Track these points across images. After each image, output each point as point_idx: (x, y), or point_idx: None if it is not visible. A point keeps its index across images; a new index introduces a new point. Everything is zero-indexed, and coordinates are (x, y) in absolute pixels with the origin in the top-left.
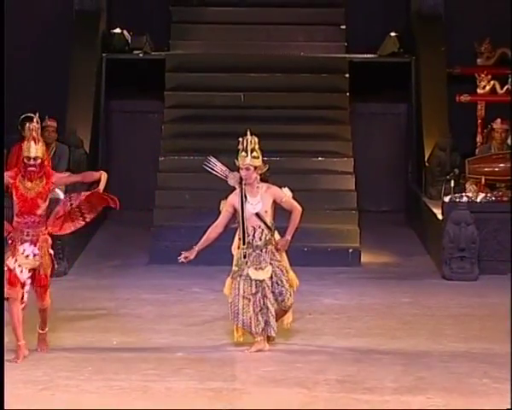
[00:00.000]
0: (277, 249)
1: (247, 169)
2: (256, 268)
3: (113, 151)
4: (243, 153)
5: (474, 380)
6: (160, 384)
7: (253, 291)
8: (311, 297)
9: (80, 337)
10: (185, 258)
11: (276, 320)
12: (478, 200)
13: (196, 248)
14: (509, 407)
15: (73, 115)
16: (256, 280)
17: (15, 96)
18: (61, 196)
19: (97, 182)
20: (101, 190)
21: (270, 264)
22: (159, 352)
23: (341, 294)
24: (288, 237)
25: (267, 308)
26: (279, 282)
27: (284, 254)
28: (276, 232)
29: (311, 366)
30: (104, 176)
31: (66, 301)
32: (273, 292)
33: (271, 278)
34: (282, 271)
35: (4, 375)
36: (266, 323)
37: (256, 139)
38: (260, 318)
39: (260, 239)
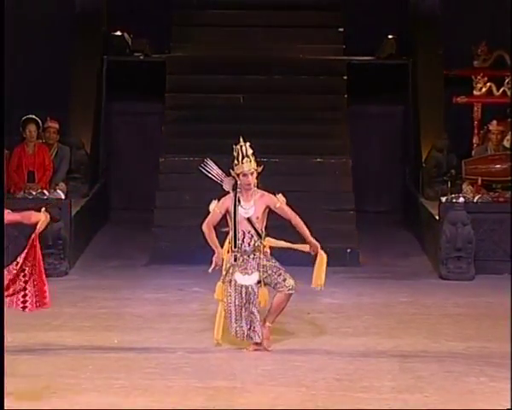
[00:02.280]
0: (315, 253)
1: (252, 174)
2: (242, 273)
3: (114, 152)
4: (246, 159)
5: (471, 379)
6: (161, 383)
7: (244, 301)
8: (310, 297)
9: (81, 336)
10: (216, 265)
11: (281, 311)
12: (474, 200)
13: (220, 250)
14: (509, 406)
15: (75, 117)
16: (243, 286)
17: (16, 97)
18: (62, 196)
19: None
20: (40, 230)
21: (258, 270)
22: (159, 351)
23: (339, 293)
24: (311, 239)
25: (252, 314)
26: (273, 268)
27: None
28: (268, 238)
29: (309, 364)
30: (46, 216)
31: (67, 300)
32: (275, 279)
33: (266, 271)
34: (269, 260)
35: (5, 374)
36: (251, 329)
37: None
38: (250, 324)
39: (249, 245)
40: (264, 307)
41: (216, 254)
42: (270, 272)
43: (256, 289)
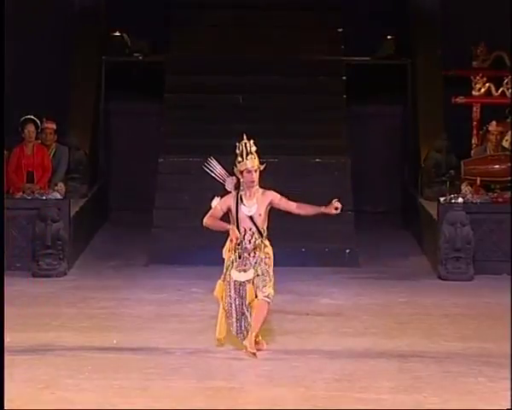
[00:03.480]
0: (336, 208)
1: (256, 171)
2: (239, 270)
3: (113, 152)
4: (250, 155)
5: (469, 379)
6: (160, 383)
7: (243, 300)
8: (309, 297)
9: (80, 337)
10: (237, 239)
11: (261, 320)
12: (473, 201)
13: (231, 226)
14: (508, 406)
15: (74, 117)
16: (241, 284)
17: (15, 97)
18: (59, 196)
19: None
20: None
21: (253, 267)
22: (158, 351)
23: (338, 294)
24: (321, 208)
25: (243, 314)
26: (264, 273)
27: None
28: (268, 242)
29: (308, 365)
30: None
31: (66, 300)
32: (259, 283)
33: (257, 271)
34: (267, 264)
35: (4, 374)
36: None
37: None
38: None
39: (250, 242)
40: (249, 303)
41: (231, 232)
42: (259, 272)
43: (248, 287)
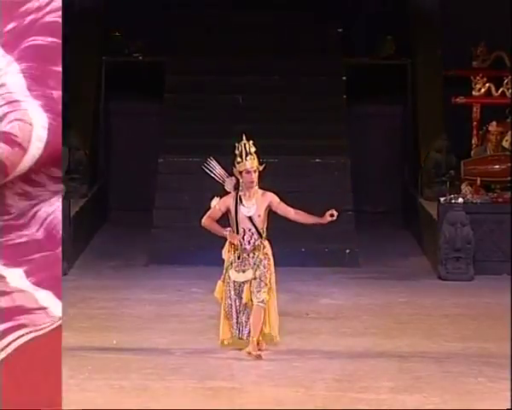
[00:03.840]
0: (331, 215)
1: (255, 171)
2: (238, 270)
3: (113, 152)
4: (250, 156)
5: (469, 379)
6: (160, 383)
7: (243, 302)
8: (309, 297)
9: (80, 337)
10: (236, 239)
11: (258, 324)
12: (473, 201)
13: (228, 231)
14: (509, 406)
15: (73, 117)
16: (240, 284)
17: None
18: None
19: None
20: None
21: (252, 268)
22: (158, 351)
23: (338, 294)
24: (318, 218)
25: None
26: (262, 276)
27: None
28: (267, 242)
29: (308, 365)
30: None
31: (66, 301)
32: (254, 287)
33: (255, 274)
34: (266, 267)
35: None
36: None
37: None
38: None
39: (249, 243)
40: (245, 304)
41: (229, 237)
42: (257, 275)
43: (245, 287)
